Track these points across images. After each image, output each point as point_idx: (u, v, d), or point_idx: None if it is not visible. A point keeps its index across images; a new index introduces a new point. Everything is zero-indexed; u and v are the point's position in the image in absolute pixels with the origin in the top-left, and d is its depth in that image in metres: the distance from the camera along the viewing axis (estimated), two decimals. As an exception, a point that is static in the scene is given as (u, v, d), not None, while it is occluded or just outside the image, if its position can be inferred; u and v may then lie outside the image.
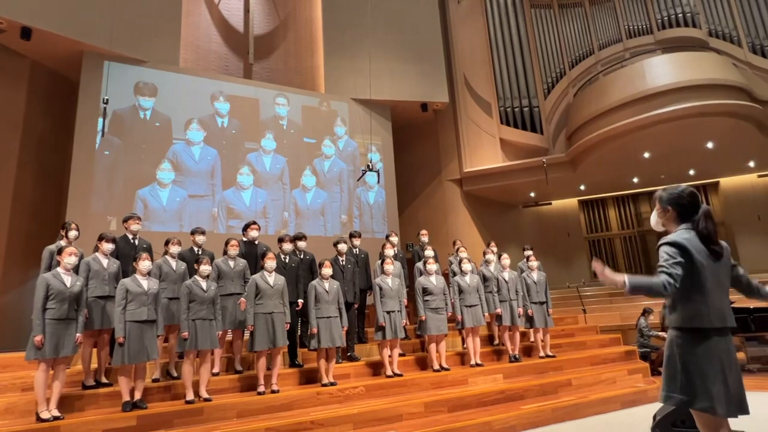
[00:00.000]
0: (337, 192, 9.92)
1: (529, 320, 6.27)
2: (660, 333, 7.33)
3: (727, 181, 12.03)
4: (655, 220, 2.27)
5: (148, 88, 8.41)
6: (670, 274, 1.96)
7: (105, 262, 4.58)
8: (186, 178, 8.42)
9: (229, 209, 8.70)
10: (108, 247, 4.61)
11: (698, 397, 1.97)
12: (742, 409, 1.98)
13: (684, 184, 2.21)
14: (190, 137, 8.61)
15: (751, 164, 11.21)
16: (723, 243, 2.14)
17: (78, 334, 4.01)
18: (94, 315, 4.41)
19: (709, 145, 10.04)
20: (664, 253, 2.05)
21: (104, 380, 4.56)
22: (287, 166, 9.46)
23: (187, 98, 8.73)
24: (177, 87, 8.69)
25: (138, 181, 8.02)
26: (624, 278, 1.97)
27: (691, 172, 11.55)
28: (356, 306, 5.94)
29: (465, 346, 6.13)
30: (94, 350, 4.59)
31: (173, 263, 4.94)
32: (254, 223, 5.75)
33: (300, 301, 5.39)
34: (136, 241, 5.06)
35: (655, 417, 3.90)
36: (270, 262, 4.83)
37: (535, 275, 6.48)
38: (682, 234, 2.09)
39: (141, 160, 8.11)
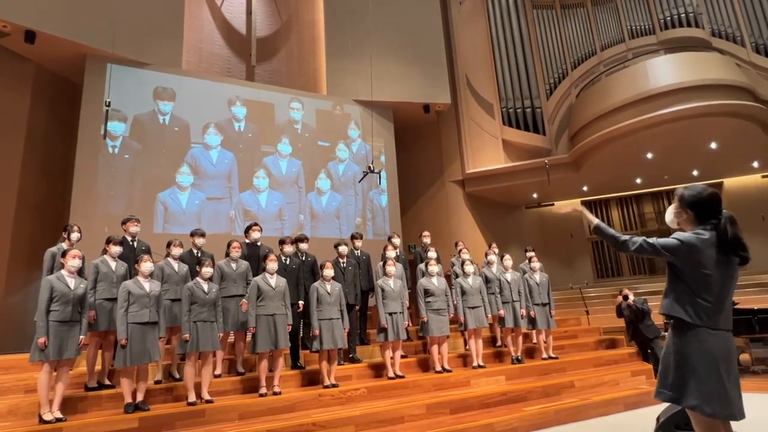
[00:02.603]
0: (352, 195, 10.03)
1: (532, 322, 6.25)
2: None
3: (730, 182, 11.97)
4: (671, 218, 2.24)
5: (167, 92, 8.58)
6: (644, 242, 2.09)
7: (113, 264, 4.61)
8: (204, 181, 8.59)
9: (246, 212, 8.82)
10: (116, 249, 4.63)
11: (688, 395, 1.98)
12: (739, 414, 1.96)
13: (702, 185, 2.18)
14: (208, 141, 8.78)
15: (755, 164, 11.15)
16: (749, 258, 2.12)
17: (81, 337, 4.03)
18: (100, 317, 4.43)
19: (713, 145, 10.00)
20: (667, 238, 2.08)
21: (107, 382, 4.58)
22: (302, 170, 9.59)
23: (203, 103, 8.88)
24: (194, 91, 8.85)
25: (158, 185, 8.20)
26: (596, 221, 2.25)
27: (695, 173, 11.50)
28: (357, 308, 5.94)
29: (467, 347, 6.12)
30: (100, 351, 4.61)
31: (175, 265, 4.96)
32: (255, 224, 5.76)
33: (300, 303, 5.39)
34: (135, 244, 5.08)
35: (658, 419, 3.88)
36: (272, 264, 4.83)
37: (537, 276, 6.46)
38: (698, 234, 2.06)
39: (161, 164, 8.29)
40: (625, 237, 2.17)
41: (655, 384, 2.12)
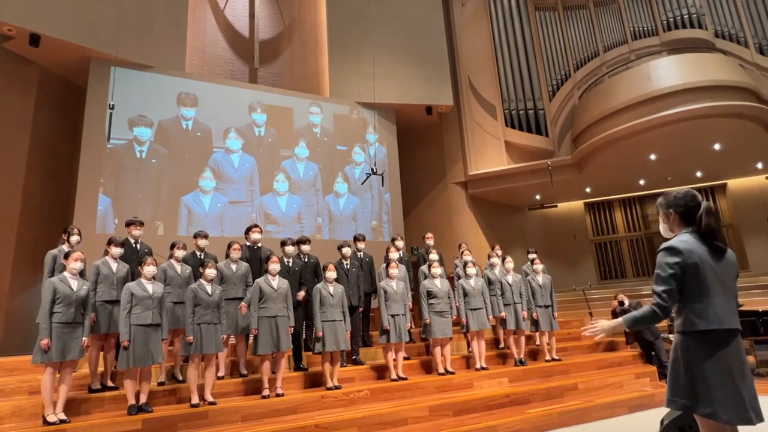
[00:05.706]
0: (368, 198, 10.14)
1: (535, 324, 6.23)
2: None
3: (734, 183, 11.93)
4: (663, 227, 2.27)
5: (189, 98, 8.74)
6: (659, 295, 2.00)
7: (114, 266, 4.62)
8: (226, 185, 8.76)
9: (267, 214, 8.98)
10: (117, 251, 4.64)
11: (701, 402, 1.92)
12: (757, 417, 1.90)
13: (683, 188, 2.22)
14: (230, 146, 8.95)
15: (759, 166, 11.11)
16: (726, 249, 2.09)
17: (84, 338, 4.04)
18: (101, 319, 4.44)
19: (716, 146, 9.97)
20: (658, 264, 2.06)
21: (110, 384, 4.59)
22: (320, 173, 9.73)
23: (224, 108, 9.02)
24: (215, 97, 8.99)
25: (182, 188, 8.37)
26: (619, 321, 2.09)
27: (698, 174, 11.46)
28: (361, 310, 5.94)
29: (470, 349, 6.11)
30: (101, 353, 4.62)
31: (178, 267, 4.97)
32: (256, 225, 5.75)
33: (300, 293, 5.35)
34: (138, 246, 5.10)
35: (662, 422, 3.85)
36: (274, 266, 4.84)
37: (540, 278, 6.45)
38: (681, 237, 2.08)
39: (185, 168, 8.46)
40: (647, 310, 2.03)
41: (665, 391, 2.07)
